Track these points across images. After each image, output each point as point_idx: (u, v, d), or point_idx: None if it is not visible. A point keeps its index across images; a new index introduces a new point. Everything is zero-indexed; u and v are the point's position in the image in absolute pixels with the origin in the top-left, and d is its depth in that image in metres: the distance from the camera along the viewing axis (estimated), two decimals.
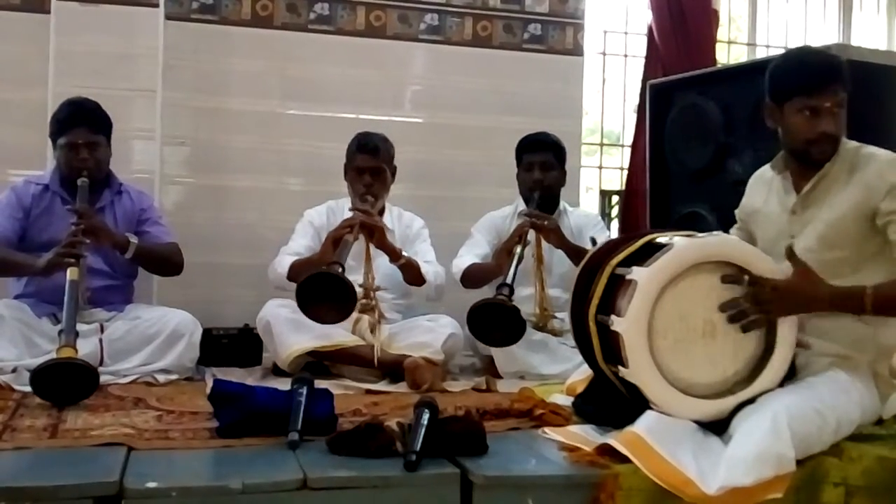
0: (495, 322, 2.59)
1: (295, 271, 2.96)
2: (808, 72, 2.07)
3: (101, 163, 2.90)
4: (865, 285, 1.94)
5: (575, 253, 2.98)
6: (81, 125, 2.85)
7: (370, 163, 3.09)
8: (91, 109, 2.89)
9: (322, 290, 2.55)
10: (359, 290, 2.86)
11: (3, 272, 2.85)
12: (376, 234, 2.92)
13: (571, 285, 2.21)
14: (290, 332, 2.83)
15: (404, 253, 3.01)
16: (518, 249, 2.92)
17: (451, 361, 2.99)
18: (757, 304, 1.96)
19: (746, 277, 1.96)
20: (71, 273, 2.53)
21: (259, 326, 2.94)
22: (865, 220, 2.03)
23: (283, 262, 3.02)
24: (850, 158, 2.09)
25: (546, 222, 3.04)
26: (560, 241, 3.07)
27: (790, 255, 1.98)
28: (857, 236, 2.04)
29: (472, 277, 3.17)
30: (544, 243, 3.11)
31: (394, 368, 2.81)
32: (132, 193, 3.05)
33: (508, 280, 2.77)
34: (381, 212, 3.17)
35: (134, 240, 2.85)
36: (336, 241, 2.83)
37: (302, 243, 3.12)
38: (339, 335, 2.85)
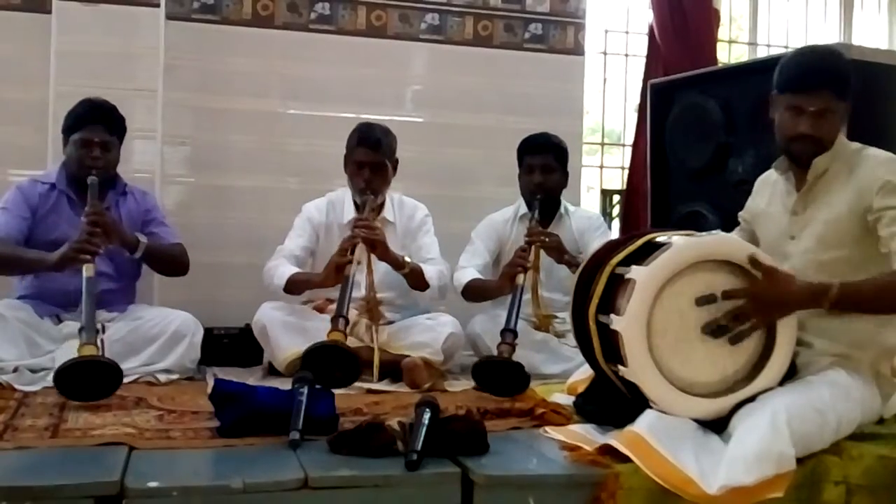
0: (500, 373, 2.57)
1: (293, 286, 2.93)
2: (800, 70, 2.07)
3: (111, 163, 2.91)
4: (832, 282, 1.94)
5: (575, 266, 2.97)
6: (99, 123, 2.86)
7: (370, 157, 3.02)
8: (110, 110, 2.91)
9: (328, 356, 2.53)
10: (360, 303, 2.90)
11: (15, 269, 2.83)
12: (378, 248, 2.87)
13: (572, 288, 2.21)
14: (286, 335, 2.82)
15: (406, 259, 2.98)
16: (521, 279, 2.88)
17: (451, 361, 2.98)
18: (736, 319, 1.95)
19: (719, 294, 1.94)
20: (87, 270, 2.54)
21: (255, 329, 2.92)
22: (861, 220, 2.02)
23: (280, 271, 2.96)
24: (851, 160, 2.09)
25: (547, 239, 3.02)
26: (561, 257, 3.05)
27: (751, 262, 1.96)
28: (855, 236, 2.04)
29: (473, 293, 3.15)
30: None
31: (392, 368, 2.80)
32: (136, 194, 3.05)
33: (511, 324, 2.70)
34: (382, 205, 3.15)
35: (144, 239, 2.85)
36: (339, 268, 2.78)
37: (299, 243, 3.09)
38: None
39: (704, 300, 1.95)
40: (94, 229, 2.62)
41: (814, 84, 2.04)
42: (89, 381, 2.27)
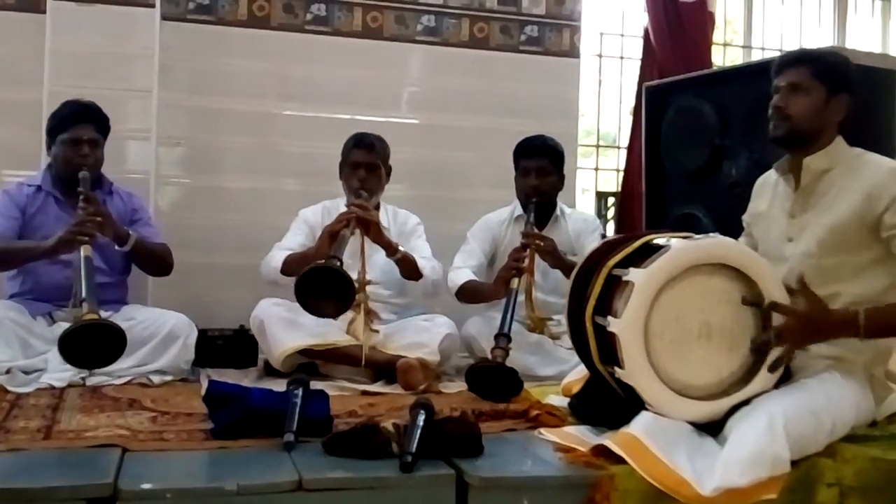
0: (494, 378, 2.56)
1: (289, 265, 2.96)
2: (782, 55, 2.17)
3: (99, 162, 2.94)
4: (858, 311, 1.92)
5: (570, 270, 2.96)
6: (87, 122, 2.89)
7: (366, 158, 3.10)
8: (96, 110, 2.94)
9: (321, 283, 2.57)
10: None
11: (11, 262, 2.84)
12: (372, 229, 2.92)
13: (567, 289, 2.21)
14: (284, 330, 2.83)
15: (400, 248, 3.01)
16: (515, 283, 2.88)
17: (447, 362, 2.98)
18: (779, 339, 1.94)
19: (766, 303, 1.94)
20: (84, 250, 2.58)
21: (253, 326, 2.94)
22: (865, 229, 2.02)
23: (277, 256, 3.02)
24: (851, 164, 2.08)
25: (542, 243, 3.02)
26: (555, 262, 3.05)
27: (802, 287, 1.93)
28: (857, 243, 2.04)
29: (468, 295, 3.15)
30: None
31: (387, 369, 2.80)
32: (122, 194, 3.07)
33: (505, 329, 2.69)
34: (376, 210, 3.16)
35: (133, 233, 2.88)
36: (333, 235, 2.84)
37: (296, 240, 3.12)
38: (333, 334, 2.85)
39: (751, 301, 1.95)
40: (92, 217, 2.65)
41: (788, 61, 2.11)
42: (93, 347, 2.31)
